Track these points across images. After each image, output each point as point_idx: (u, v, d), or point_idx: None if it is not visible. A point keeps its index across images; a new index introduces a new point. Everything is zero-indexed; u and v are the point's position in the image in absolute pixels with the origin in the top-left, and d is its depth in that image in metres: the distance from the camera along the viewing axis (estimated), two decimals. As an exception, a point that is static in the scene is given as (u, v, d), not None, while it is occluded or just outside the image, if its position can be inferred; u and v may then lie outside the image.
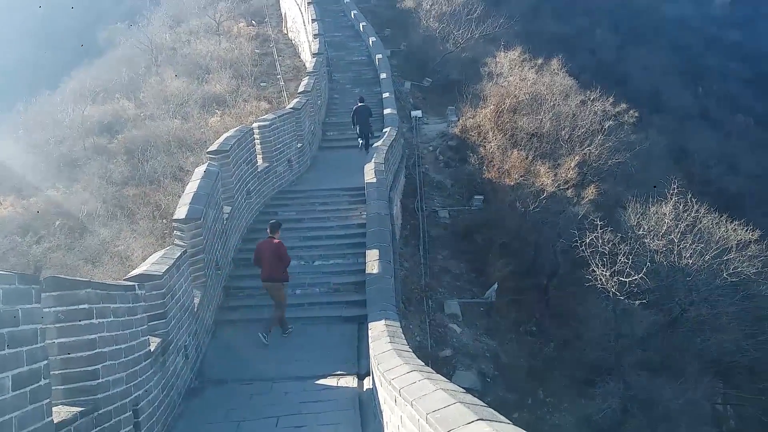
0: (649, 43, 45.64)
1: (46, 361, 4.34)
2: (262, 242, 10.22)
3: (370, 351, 7.55)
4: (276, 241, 9.99)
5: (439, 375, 5.44)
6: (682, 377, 13.05)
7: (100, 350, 5.45)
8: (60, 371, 5.17)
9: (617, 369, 13.31)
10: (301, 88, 19.36)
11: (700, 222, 15.01)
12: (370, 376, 7.98)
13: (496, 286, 15.18)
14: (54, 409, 4.67)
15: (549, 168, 17.46)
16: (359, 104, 19.17)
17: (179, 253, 8.34)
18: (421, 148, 21.92)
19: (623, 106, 22.05)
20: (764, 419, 14.06)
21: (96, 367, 5.39)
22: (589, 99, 21.22)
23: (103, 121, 22.93)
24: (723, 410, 15.22)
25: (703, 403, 13.50)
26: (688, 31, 50.94)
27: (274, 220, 10.52)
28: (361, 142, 18.88)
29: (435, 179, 20.28)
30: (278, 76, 26.48)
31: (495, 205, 17.69)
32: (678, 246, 14.32)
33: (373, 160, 14.89)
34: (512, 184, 17.40)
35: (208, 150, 12.04)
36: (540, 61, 24.26)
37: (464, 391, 4.68)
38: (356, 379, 8.69)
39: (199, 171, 10.81)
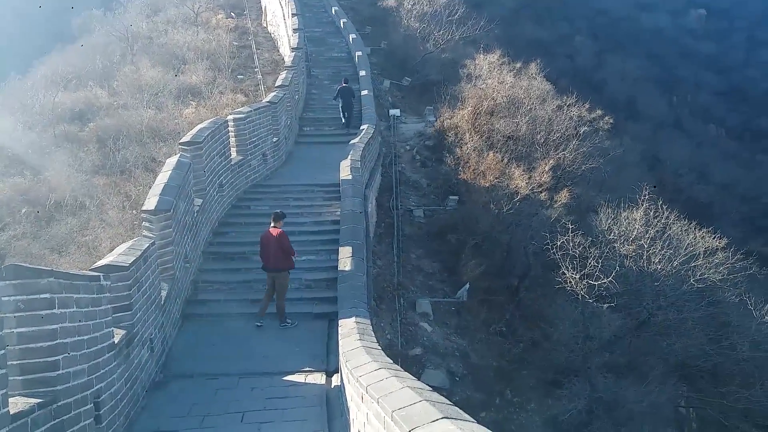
0: (626, 51, 46.44)
1: (3, 351, 4.21)
2: (265, 233, 10.34)
3: (340, 348, 7.51)
4: (278, 231, 10.14)
5: (406, 373, 5.43)
6: (647, 380, 13.26)
7: (61, 341, 5.31)
8: (18, 362, 5.03)
9: (584, 371, 13.47)
10: (278, 82, 19.21)
11: (670, 228, 15.27)
12: (339, 373, 7.94)
13: (467, 286, 15.25)
14: (11, 400, 4.54)
15: (524, 171, 17.59)
16: (344, 84, 20.97)
17: (147, 245, 8.19)
18: (398, 146, 21.92)
19: (599, 112, 22.35)
20: (725, 422, 14.37)
21: (56, 358, 5.25)
22: (565, 104, 21.45)
23: (75, 108, 22.45)
24: (685, 413, 15.51)
25: (667, 405, 13.75)
26: (664, 41, 51.91)
27: (278, 210, 10.67)
28: (344, 117, 21.02)
29: (411, 178, 20.31)
30: (256, 70, 26.24)
31: (469, 205, 17.77)
32: (647, 251, 14.55)
33: (349, 157, 14.85)
34: (487, 185, 17.49)
35: (180, 141, 11.86)
36: (518, 64, 24.46)
37: (431, 389, 4.68)
38: (324, 376, 8.64)
39: (171, 162, 10.65)
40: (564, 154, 19.14)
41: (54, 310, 5.20)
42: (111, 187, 16.98)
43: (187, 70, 25.20)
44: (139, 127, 19.97)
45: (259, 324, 10.08)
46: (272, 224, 10.29)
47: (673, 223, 15.41)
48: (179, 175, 10.19)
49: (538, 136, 19.69)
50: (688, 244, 14.89)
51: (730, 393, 14.34)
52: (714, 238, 15.15)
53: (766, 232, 30.86)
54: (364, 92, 22.62)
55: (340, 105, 20.90)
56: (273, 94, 17.87)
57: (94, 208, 16.09)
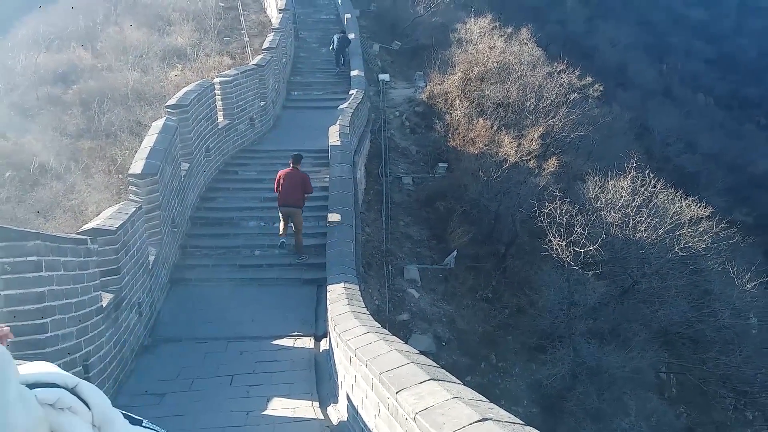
0: (617, 17, 45.98)
1: (-11, 313, 4.20)
2: (285, 171, 10.99)
3: (328, 313, 7.57)
4: (300, 171, 10.94)
5: (394, 337, 5.49)
6: (630, 346, 13.51)
7: (49, 304, 5.31)
8: (6, 324, 5.01)
9: (568, 336, 13.68)
10: (265, 45, 18.89)
11: (656, 197, 15.38)
12: (327, 338, 8.02)
13: (455, 253, 15.34)
14: (-2, 362, 4.54)
15: (513, 138, 17.56)
16: (340, 34, 22.98)
17: (134, 209, 8.15)
18: (388, 112, 21.75)
19: (589, 79, 22.22)
20: (704, 387, 14.75)
21: (45, 321, 5.26)
22: (555, 71, 21.30)
23: (58, 70, 21.94)
24: (666, 378, 15.87)
25: (648, 371, 14.04)
26: (655, 8, 51.46)
27: (296, 153, 11.38)
28: (338, 62, 22.54)
29: (400, 145, 20.21)
30: (242, 31, 25.73)
31: (458, 173, 17.75)
32: (633, 219, 14.67)
33: (338, 122, 14.73)
34: (476, 152, 17.46)
35: (166, 104, 11.70)
36: (509, 30, 24.18)
37: (418, 352, 4.74)
38: (313, 340, 8.73)
39: (157, 125, 10.51)
40: (553, 121, 19.11)
41: (41, 273, 5.18)
42: (96, 151, 16.73)
43: (173, 31, 24.66)
44: (124, 89, 19.59)
45: (283, 241, 11.08)
46: (291, 165, 10.96)
47: (660, 192, 15.52)
48: (165, 139, 10.08)
49: (528, 103, 19.60)
50: (674, 212, 15.02)
51: (709, 359, 14.67)
52: (699, 207, 15.27)
53: (750, 202, 31.21)
54: (354, 57, 22.33)
55: (335, 48, 22.50)
56: (260, 56, 17.59)
57: (80, 172, 15.87)
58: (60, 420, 1.78)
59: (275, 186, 11.10)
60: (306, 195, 10.98)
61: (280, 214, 11.15)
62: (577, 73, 21.58)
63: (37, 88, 20.45)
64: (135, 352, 8.03)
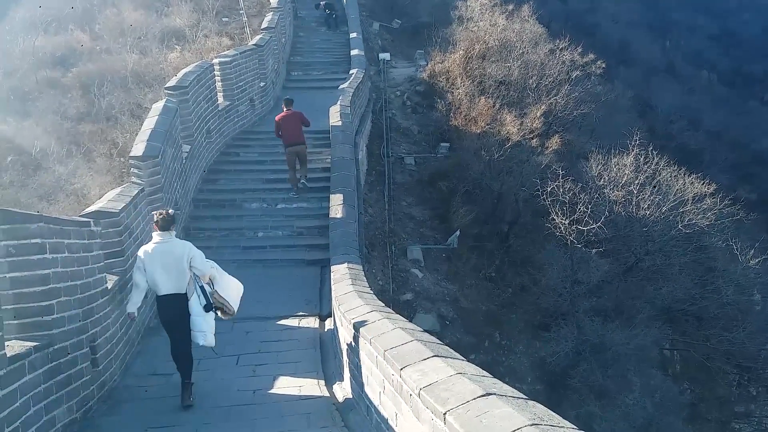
0: (620, -7, 45.41)
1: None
2: (282, 115, 12.09)
3: (332, 293, 7.59)
4: (294, 110, 12.06)
5: (398, 315, 5.51)
6: (633, 323, 13.56)
7: (54, 286, 5.33)
8: (13, 306, 5.04)
9: (572, 314, 13.73)
10: (264, 25, 18.75)
11: (659, 174, 15.32)
12: (332, 317, 8.05)
13: (458, 232, 15.34)
14: (7, 343, 4.58)
15: (515, 117, 17.45)
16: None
17: (137, 191, 8.14)
18: (389, 92, 21.61)
19: (591, 56, 22.00)
20: (707, 364, 14.82)
21: (50, 302, 5.28)
22: (557, 48, 21.10)
23: (56, 53, 21.79)
24: (670, 355, 15.96)
25: (652, 347, 14.11)
26: (658, -17, 50.79)
27: (288, 97, 12.66)
28: (328, 23, 24.45)
29: (402, 125, 20.11)
30: (241, 12, 25.47)
31: (460, 152, 17.69)
32: (636, 197, 14.63)
33: (338, 102, 14.65)
34: (478, 131, 17.37)
35: (166, 86, 11.64)
36: (511, 7, 23.91)
37: (422, 331, 4.75)
38: (318, 320, 8.77)
39: (157, 107, 10.46)
40: (556, 99, 18.97)
41: (45, 255, 5.18)
42: (97, 135, 16.70)
43: (171, 12, 24.44)
44: (123, 72, 19.48)
45: (295, 194, 12.21)
46: (285, 108, 12.12)
47: (663, 169, 15.45)
48: (166, 121, 10.04)
49: (530, 81, 19.46)
50: (677, 190, 14.96)
51: (713, 336, 14.72)
52: (702, 184, 15.22)
53: (753, 179, 31.07)
54: (353, 35, 22.18)
55: (325, 7, 24.51)
56: (259, 36, 17.47)
57: (81, 156, 15.86)
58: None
59: (276, 131, 12.19)
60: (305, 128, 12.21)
61: (287, 157, 12.18)
62: (579, 50, 21.37)
63: (36, 72, 20.35)
64: (141, 334, 8.08)
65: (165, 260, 6.01)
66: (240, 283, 6.55)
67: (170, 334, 6.26)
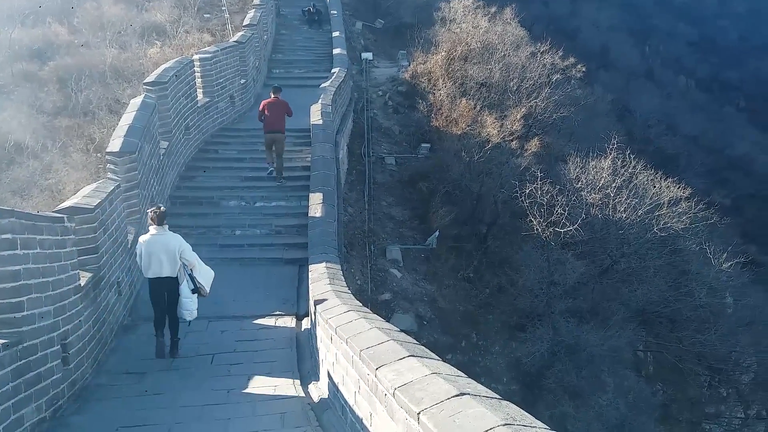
0: (601, -1, 45.91)
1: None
2: (269, 101, 12.41)
3: (310, 292, 7.57)
4: (281, 99, 12.39)
5: (375, 315, 5.51)
6: (608, 325, 13.70)
7: (24, 282, 5.24)
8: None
9: (547, 315, 13.84)
10: (246, 21, 18.64)
11: (636, 178, 15.51)
12: (309, 317, 8.03)
13: (437, 233, 15.38)
14: (-26, 340, 4.50)
15: (495, 119, 17.55)
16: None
17: (112, 187, 8.05)
18: (371, 92, 21.61)
19: (571, 60, 22.23)
20: (680, 365, 15.05)
21: (20, 299, 5.19)
22: (539, 51, 21.27)
23: (33, 46, 21.42)
24: (643, 356, 16.18)
25: (626, 349, 14.28)
26: (639, -12, 51.42)
27: (276, 84, 13.24)
28: (312, 21, 24.85)
29: (383, 125, 20.11)
30: (223, 8, 25.28)
31: (441, 153, 17.74)
32: (613, 200, 14.80)
33: (320, 101, 14.61)
34: (459, 133, 17.44)
35: (145, 81, 11.50)
36: (493, 9, 24.07)
37: (399, 331, 4.76)
38: (295, 320, 8.73)
39: (135, 103, 10.34)
40: (536, 102, 19.12)
41: (16, 251, 5.10)
42: (74, 130, 16.44)
43: (152, 7, 24.17)
44: (101, 67, 19.21)
45: (270, 171, 12.64)
46: (273, 95, 12.50)
47: (640, 173, 15.64)
48: (144, 116, 9.93)
49: (511, 84, 19.59)
50: (653, 193, 15.17)
51: (686, 338, 14.96)
52: (678, 189, 15.45)
53: (728, 184, 31.66)
54: (336, 33, 22.12)
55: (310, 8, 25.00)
56: (240, 33, 17.36)
57: (57, 151, 15.60)
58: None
59: (259, 116, 12.55)
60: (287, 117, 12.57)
61: (265, 141, 12.50)
62: (560, 53, 21.57)
63: (12, 65, 19.98)
64: (115, 332, 7.97)
65: (159, 250, 7.15)
66: (211, 270, 7.66)
67: (157, 307, 7.36)
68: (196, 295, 7.34)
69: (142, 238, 7.31)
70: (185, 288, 7.26)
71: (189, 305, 7.29)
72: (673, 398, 15.29)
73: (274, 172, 12.66)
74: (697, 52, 48.34)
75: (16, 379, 5.02)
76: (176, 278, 7.22)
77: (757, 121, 40.30)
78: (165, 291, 7.25)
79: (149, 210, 7.45)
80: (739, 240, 20.51)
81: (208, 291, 7.49)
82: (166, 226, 7.33)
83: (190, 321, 7.41)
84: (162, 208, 7.39)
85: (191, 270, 7.31)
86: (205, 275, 7.49)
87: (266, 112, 12.34)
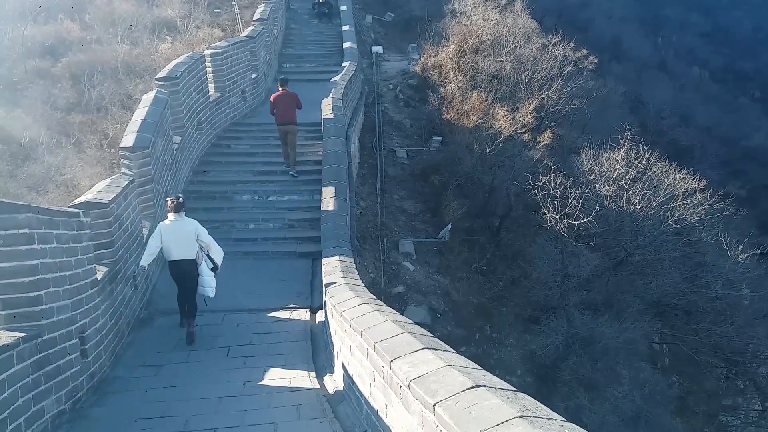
0: (613, -11, 45.42)
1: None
2: (277, 94, 12.62)
3: (324, 285, 7.59)
4: (289, 91, 12.57)
5: (389, 308, 5.51)
6: (623, 317, 13.63)
7: (42, 276, 5.29)
8: (0, 296, 5.01)
9: (562, 308, 13.79)
10: (256, 16, 18.65)
11: (650, 170, 15.36)
12: (323, 310, 8.05)
13: (450, 226, 15.36)
14: (-6, 334, 4.55)
15: (507, 111, 17.46)
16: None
17: (127, 182, 8.10)
18: (381, 85, 21.56)
19: (583, 51, 22.02)
20: (696, 357, 14.93)
21: (39, 293, 5.24)
22: (550, 43, 21.09)
23: (46, 42, 21.57)
24: (659, 348, 16.07)
25: (641, 341, 14.19)
26: (651, -21, 50.81)
27: (282, 77, 13.36)
28: (323, 14, 24.82)
29: (394, 118, 20.07)
30: (233, 3, 25.30)
31: (453, 146, 17.68)
32: (627, 192, 14.68)
33: (331, 95, 14.60)
34: (470, 125, 17.37)
35: (157, 76, 11.56)
36: (504, 1, 23.87)
37: (413, 323, 4.76)
38: (309, 312, 8.77)
39: (148, 98, 10.40)
40: (548, 94, 18.98)
41: (34, 246, 5.15)
42: (87, 125, 16.55)
43: (162, 2, 24.24)
44: (113, 62, 19.31)
45: (293, 174, 12.68)
46: (281, 88, 12.64)
47: (654, 165, 15.51)
48: (156, 112, 9.98)
49: (523, 76, 19.45)
50: (668, 185, 15.03)
51: (702, 330, 14.81)
52: (693, 180, 15.30)
53: (743, 175, 31.30)
54: (346, 27, 22.07)
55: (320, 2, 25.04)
56: (251, 28, 17.36)
57: (72, 147, 15.72)
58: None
59: (270, 110, 12.76)
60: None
61: (280, 134, 12.80)
62: (572, 45, 21.38)
63: (26, 61, 20.14)
64: (131, 325, 8.05)
65: (178, 234, 7.79)
66: (222, 251, 8.36)
67: (180, 285, 8.01)
68: (214, 273, 8.11)
69: (162, 224, 7.91)
70: (204, 267, 8.00)
71: (210, 282, 8.06)
72: (690, 390, 15.18)
73: (289, 174, 12.84)
74: (711, 42, 47.76)
75: (35, 371, 5.08)
76: (194, 260, 7.89)
77: (772, 111, 39.80)
78: (184, 273, 7.87)
79: (168, 199, 8.07)
80: (756, 231, 20.26)
81: (219, 267, 8.26)
82: (183, 213, 7.97)
83: (207, 299, 8.13)
84: (180, 198, 8.05)
85: (208, 251, 8.03)
86: (218, 255, 8.23)
87: (276, 105, 12.56)
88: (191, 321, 7.91)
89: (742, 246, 15.35)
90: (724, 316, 14.77)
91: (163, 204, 9.07)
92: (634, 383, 13.24)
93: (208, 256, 8.03)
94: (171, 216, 7.87)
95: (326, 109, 13.82)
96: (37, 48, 21.18)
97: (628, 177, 14.85)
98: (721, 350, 14.91)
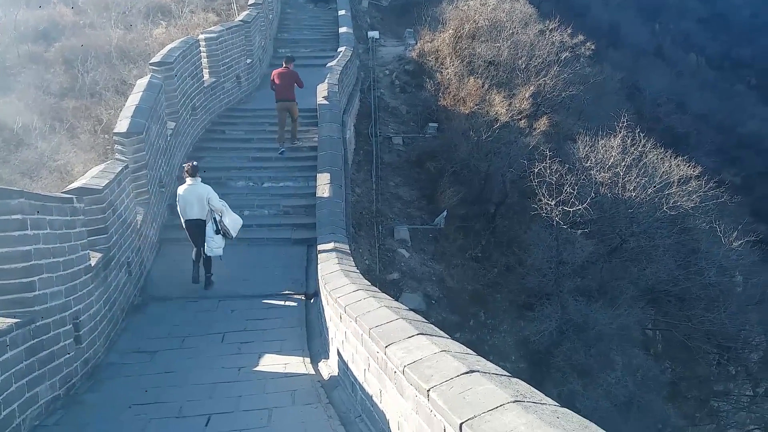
0: (610, -25, 45.14)
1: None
2: (279, 71, 12.85)
3: (319, 272, 7.59)
4: (292, 70, 12.83)
5: (384, 294, 5.52)
6: (617, 303, 13.70)
7: (35, 262, 5.27)
8: (-7, 282, 4.99)
9: (556, 294, 13.84)
10: (251, 1, 18.47)
11: (646, 157, 15.37)
12: (318, 296, 8.06)
13: (445, 213, 15.36)
14: (-13, 319, 4.54)
15: (504, 97, 17.39)
16: None
17: (120, 168, 8.06)
18: (377, 71, 21.44)
19: (580, 37, 21.89)
20: (688, 343, 15.04)
21: (32, 279, 5.23)
22: (547, 29, 20.97)
23: (38, 27, 21.36)
24: (652, 335, 16.19)
25: (635, 327, 14.29)
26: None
27: (289, 54, 13.96)
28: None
29: (390, 104, 19.99)
30: (229, -12, 25.07)
31: (449, 133, 17.63)
32: (623, 179, 14.69)
33: (326, 80, 14.51)
34: (467, 112, 17.31)
35: (151, 61, 11.46)
36: (501, -14, 23.67)
37: (408, 309, 4.77)
38: (304, 299, 8.78)
39: (142, 83, 10.32)
40: (545, 80, 18.90)
41: (26, 232, 5.12)
42: (81, 111, 16.42)
43: (156, -13, 23.97)
44: (107, 47, 19.13)
45: (282, 152, 12.92)
46: (284, 65, 12.91)
47: (649, 152, 15.50)
48: (150, 97, 9.90)
49: (520, 62, 19.36)
50: (663, 172, 15.03)
51: (695, 316, 14.91)
52: (688, 167, 15.30)
53: (738, 162, 31.35)
54: (342, 12, 21.91)
55: None
56: (246, 13, 17.20)
57: (65, 132, 15.61)
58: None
59: (271, 84, 13.01)
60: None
61: (278, 113, 13.02)
62: (569, 31, 21.26)
63: (18, 46, 19.94)
64: (126, 311, 8.04)
65: (192, 197, 8.76)
66: (240, 219, 9.14)
67: (194, 242, 8.97)
68: (220, 235, 8.76)
69: (180, 188, 8.92)
70: (210, 229, 8.74)
71: (212, 243, 8.74)
72: (682, 376, 15.32)
73: (286, 152, 12.95)
74: (708, 29, 47.62)
75: (29, 357, 5.08)
76: (205, 221, 8.75)
77: (768, 98, 39.80)
78: (198, 230, 8.79)
79: (185, 165, 9.02)
80: (750, 218, 20.36)
81: (233, 235, 8.91)
82: (199, 178, 8.82)
83: (220, 257, 8.87)
84: (195, 163, 8.96)
85: (219, 215, 8.76)
86: (233, 222, 8.93)
87: (276, 81, 12.78)
88: (206, 268, 8.99)
89: (736, 233, 15.42)
90: (717, 302, 14.86)
91: (157, 191, 9.54)
92: (627, 369, 13.34)
93: (214, 219, 8.74)
94: (188, 180, 8.80)
95: (321, 95, 13.75)
96: (30, 32, 20.97)
97: (623, 164, 14.85)
98: (714, 336, 15.02)
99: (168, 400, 5.81)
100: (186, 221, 8.90)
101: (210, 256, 8.91)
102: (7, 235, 4.98)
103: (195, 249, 8.99)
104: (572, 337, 12.97)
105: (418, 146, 18.06)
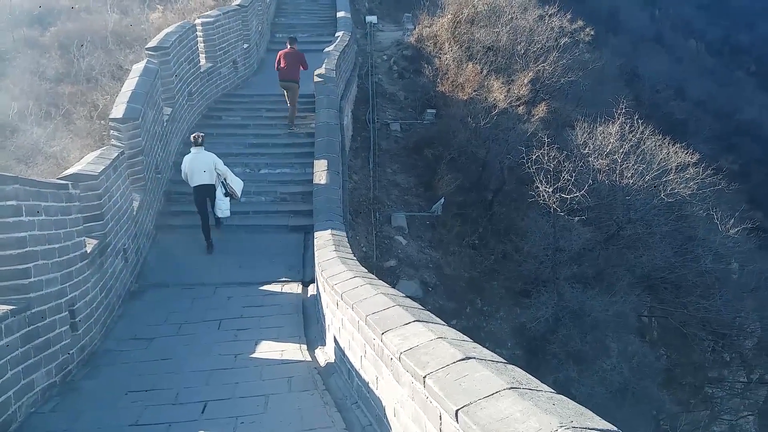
0: (610, -40, 44.77)
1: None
2: (284, 51, 13.12)
3: (315, 258, 7.58)
4: (297, 50, 13.08)
5: (380, 281, 5.51)
6: (613, 290, 13.74)
7: (30, 249, 5.25)
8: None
9: (552, 281, 13.87)
10: (249, -15, 18.23)
11: (644, 143, 15.33)
12: (315, 283, 8.06)
13: (442, 200, 15.35)
14: (-18, 306, 4.52)
15: (502, 84, 17.31)
16: None
17: (116, 154, 8.01)
18: (375, 56, 21.30)
19: (580, 23, 21.76)
20: (684, 330, 15.12)
21: (27, 266, 5.21)
22: (547, 14, 20.82)
23: (33, 11, 21.16)
24: (648, 322, 16.25)
25: (631, 314, 14.34)
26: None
27: (292, 35, 14.15)
28: None
29: (388, 90, 19.88)
30: (225, -28, 24.84)
31: (447, 119, 17.56)
32: (620, 166, 14.67)
33: (323, 66, 14.41)
34: (465, 98, 17.22)
35: (147, 46, 11.36)
36: (500, -29, 23.47)
37: (405, 296, 4.76)
38: (300, 286, 8.78)
39: (138, 68, 10.24)
40: (543, 66, 18.80)
41: (21, 218, 5.09)
42: (77, 96, 16.32)
43: (152, -29, 23.72)
44: (103, 32, 18.97)
45: (290, 130, 13.30)
46: (289, 45, 13.20)
47: (648, 139, 15.47)
48: (146, 82, 9.84)
49: (518, 47, 19.24)
50: (661, 159, 15.00)
51: (690, 303, 14.97)
52: (686, 154, 15.27)
53: (736, 149, 31.30)
54: (340, -3, 21.68)
55: None
56: (243, -3, 17.01)
57: (61, 118, 15.52)
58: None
59: (276, 64, 13.17)
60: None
61: (283, 91, 13.28)
62: (569, 17, 21.12)
63: (13, 30, 19.75)
64: (122, 298, 8.04)
65: (199, 165, 9.47)
66: (241, 181, 10.02)
67: (201, 212, 9.68)
68: (228, 198, 9.67)
69: (186, 157, 9.58)
70: (219, 192, 9.59)
71: (221, 205, 9.64)
72: (677, 363, 15.40)
73: (288, 129, 13.33)
74: (708, 15, 47.37)
75: (25, 344, 5.07)
76: (213, 185, 9.54)
77: (767, 85, 39.69)
78: (206, 195, 9.57)
79: (192, 135, 9.69)
80: (747, 206, 20.38)
81: (239, 195, 9.86)
82: (203, 147, 9.51)
83: (225, 218, 9.87)
84: (202, 134, 9.70)
85: (225, 179, 9.55)
86: (236, 184, 9.79)
87: (281, 61, 13.00)
88: (209, 242, 9.73)
89: (732, 220, 15.43)
90: (712, 289, 14.91)
91: (148, 180, 9.93)
92: (623, 356, 13.41)
93: (223, 183, 9.56)
94: (194, 149, 9.45)
95: (319, 81, 13.66)
96: (25, 17, 20.76)
97: (621, 151, 14.82)
98: (709, 323, 15.09)
99: (164, 386, 5.82)
100: (195, 187, 9.53)
101: (220, 218, 9.79)
102: (2, 222, 4.95)
103: (202, 219, 9.67)
104: (568, 324, 13.01)
105: (415, 133, 18.00)
